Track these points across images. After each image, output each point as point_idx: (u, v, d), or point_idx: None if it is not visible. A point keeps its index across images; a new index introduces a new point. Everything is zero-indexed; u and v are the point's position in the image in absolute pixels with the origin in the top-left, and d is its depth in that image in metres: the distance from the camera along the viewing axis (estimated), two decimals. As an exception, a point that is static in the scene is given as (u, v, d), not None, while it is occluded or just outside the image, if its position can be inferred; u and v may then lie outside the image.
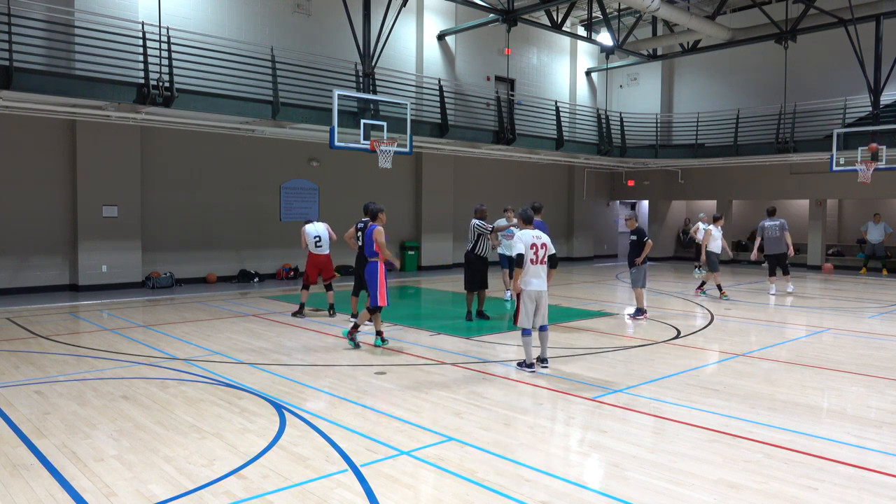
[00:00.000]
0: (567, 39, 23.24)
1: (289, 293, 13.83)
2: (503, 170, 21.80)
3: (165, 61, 12.15)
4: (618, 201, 26.78)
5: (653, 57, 22.14)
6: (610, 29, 18.50)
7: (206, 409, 5.74)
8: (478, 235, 10.45)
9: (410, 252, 19.42)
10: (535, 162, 21.93)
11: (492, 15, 17.38)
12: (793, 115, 19.04)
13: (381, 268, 8.30)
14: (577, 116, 22.82)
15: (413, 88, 17.80)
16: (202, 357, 7.88)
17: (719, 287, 13.67)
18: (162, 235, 15.08)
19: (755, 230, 20.60)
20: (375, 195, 16.38)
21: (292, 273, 16.71)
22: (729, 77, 22.77)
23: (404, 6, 14.83)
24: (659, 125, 22.37)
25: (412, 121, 14.33)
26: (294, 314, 10.97)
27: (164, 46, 12.19)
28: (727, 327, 10.33)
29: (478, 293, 10.71)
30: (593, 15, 19.70)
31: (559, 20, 19.03)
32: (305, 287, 11.11)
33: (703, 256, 13.68)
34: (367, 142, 12.99)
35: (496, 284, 13.07)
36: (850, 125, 18.07)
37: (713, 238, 13.63)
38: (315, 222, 11.21)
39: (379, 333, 8.64)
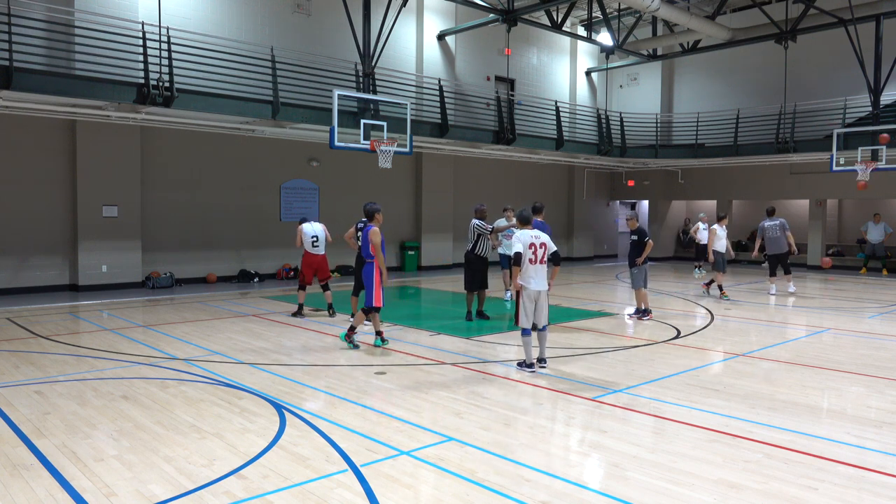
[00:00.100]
0: (567, 39, 23.24)
1: (288, 293, 13.83)
2: (503, 170, 21.80)
3: (165, 61, 12.15)
4: (618, 201, 26.78)
5: (653, 57, 22.14)
6: (610, 29, 18.50)
7: (206, 409, 5.74)
8: (477, 235, 10.45)
9: (410, 252, 19.43)
10: (535, 162, 21.93)
11: (492, 15, 17.38)
12: (793, 115, 19.04)
13: (377, 268, 8.29)
14: (577, 116, 22.82)
15: (413, 88, 17.80)
16: (202, 357, 7.88)
17: (720, 287, 13.67)
18: (162, 235, 15.08)
19: (755, 230, 20.62)
20: (375, 195, 16.38)
21: (292, 273, 16.71)
22: (729, 77, 22.77)
23: (404, 6, 14.83)
24: (659, 125, 22.38)
25: (412, 121, 14.33)
26: (294, 315, 10.97)
27: (164, 46, 12.19)
28: (727, 327, 10.33)
29: (478, 293, 10.71)
30: (593, 15, 19.71)
31: (559, 20, 19.03)
32: (302, 287, 11.10)
33: (711, 256, 13.49)
34: (367, 142, 12.99)
35: (496, 284, 13.07)
36: (850, 125, 18.07)
37: (718, 237, 13.52)
38: (312, 222, 11.20)
39: (379, 333, 8.64)
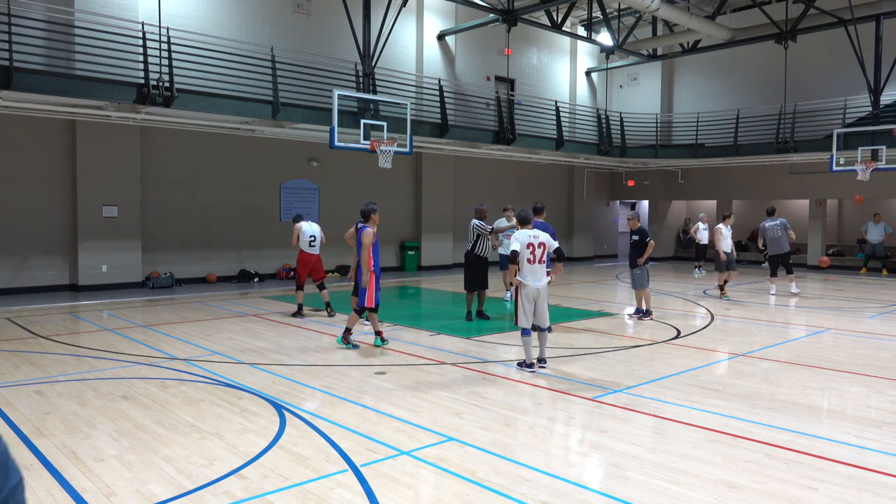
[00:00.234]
0: (567, 39, 23.24)
1: (288, 293, 13.83)
2: (503, 170, 21.80)
3: (165, 61, 12.15)
4: (618, 201, 26.78)
5: (653, 57, 22.14)
6: (610, 29, 18.50)
7: (206, 409, 5.74)
8: (477, 235, 10.45)
9: (410, 252, 19.43)
10: (535, 162, 21.93)
11: (492, 15, 17.38)
12: (793, 115, 19.04)
13: (368, 268, 8.28)
14: (577, 116, 22.82)
15: (413, 88, 17.80)
16: (202, 357, 7.88)
17: (721, 287, 13.63)
18: (162, 235, 15.08)
19: (755, 230, 20.64)
20: (375, 195, 16.39)
21: (292, 273, 16.67)
22: (729, 77, 22.78)
23: (404, 6, 14.82)
24: (659, 125, 22.38)
25: (412, 121, 14.33)
26: (293, 315, 10.96)
27: (164, 46, 12.19)
28: (727, 327, 10.33)
29: (478, 293, 10.71)
30: (593, 15, 19.71)
31: (559, 20, 19.03)
32: (300, 287, 11.10)
33: (723, 255, 13.35)
34: (367, 142, 12.99)
35: (496, 284, 13.07)
36: (850, 125, 18.07)
37: (723, 237, 13.42)
38: (310, 221, 11.23)
39: (378, 333, 8.64)
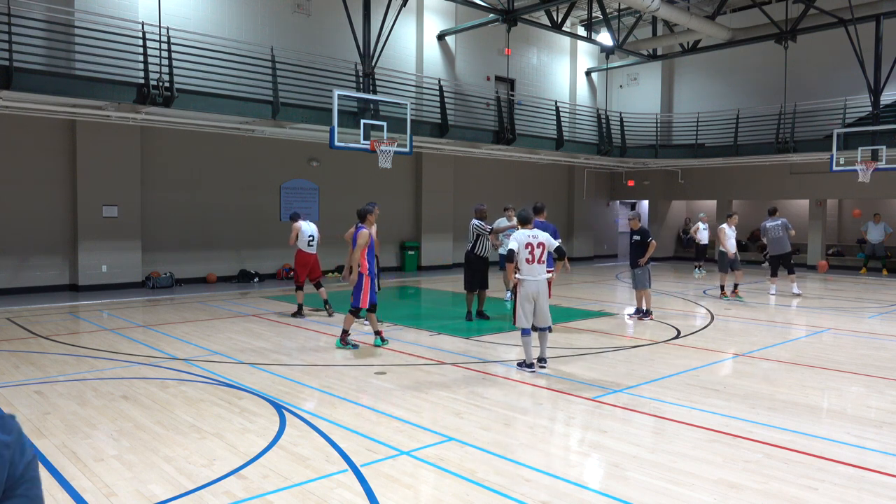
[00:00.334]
0: (567, 39, 23.24)
1: (288, 293, 13.83)
2: (503, 170, 21.80)
3: (165, 61, 12.15)
4: (618, 201, 26.78)
5: (653, 57, 22.14)
6: (610, 29, 18.50)
7: (206, 409, 5.74)
8: (477, 235, 10.45)
9: (410, 252, 19.43)
10: (535, 162, 21.93)
11: (492, 15, 17.38)
12: (793, 115, 19.04)
13: (363, 269, 8.28)
14: (577, 116, 22.82)
15: (413, 88, 17.80)
16: (202, 357, 7.88)
17: (722, 287, 13.59)
18: (162, 235, 15.08)
19: (756, 230, 20.64)
20: (375, 195, 16.39)
21: (292, 273, 16.69)
22: (729, 77, 22.77)
23: (404, 6, 14.82)
24: (659, 125, 22.37)
25: (412, 121, 14.32)
26: (294, 315, 10.97)
27: (164, 46, 12.19)
28: (727, 327, 10.33)
29: (478, 293, 10.71)
30: (593, 15, 19.70)
31: (559, 20, 19.03)
32: (300, 288, 11.12)
33: (731, 254, 13.16)
34: (367, 142, 12.99)
35: (496, 284, 13.07)
36: (850, 125, 18.07)
37: (727, 237, 13.24)
38: (308, 221, 11.27)
39: (378, 333, 8.64)
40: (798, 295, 13.83)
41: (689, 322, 10.72)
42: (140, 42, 12.14)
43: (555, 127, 19.65)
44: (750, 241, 22.98)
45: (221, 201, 15.95)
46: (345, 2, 13.46)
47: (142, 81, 11.95)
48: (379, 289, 10.30)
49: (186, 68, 12.57)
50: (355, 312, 8.41)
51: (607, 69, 24.29)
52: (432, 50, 19.37)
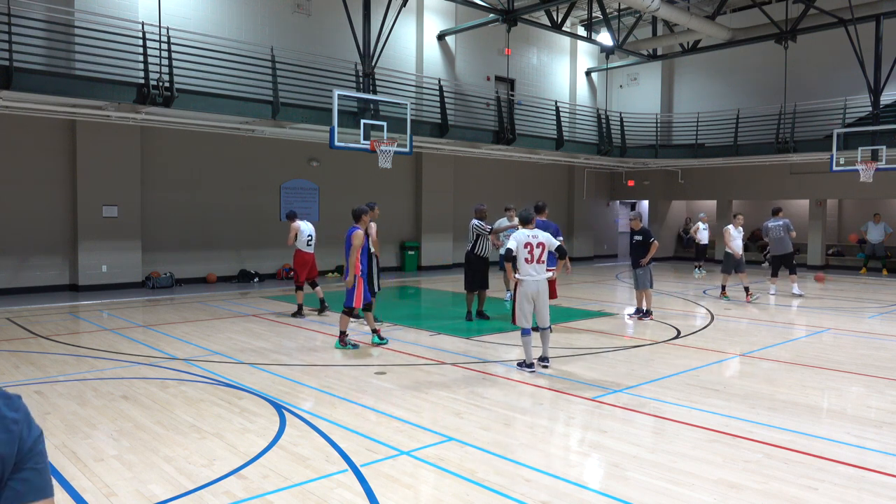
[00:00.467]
0: (567, 39, 23.24)
1: (288, 293, 13.83)
2: (503, 170, 21.80)
3: (165, 61, 12.15)
4: (618, 201, 26.78)
5: (653, 57, 22.14)
6: (610, 29, 18.50)
7: (206, 409, 5.74)
8: (477, 235, 10.45)
9: (410, 252, 19.43)
10: (535, 162, 21.93)
11: (492, 15, 17.38)
12: (793, 115, 19.04)
13: (356, 270, 8.29)
14: (577, 116, 22.82)
15: (413, 88, 17.80)
16: (202, 357, 7.88)
17: (723, 287, 13.54)
18: (162, 235, 15.08)
19: (757, 229, 20.64)
20: (375, 195, 16.38)
21: (292, 273, 16.71)
22: (729, 77, 22.77)
23: (404, 6, 14.82)
24: (659, 125, 22.37)
25: (412, 121, 14.32)
26: (294, 315, 10.98)
27: (164, 46, 12.19)
28: (727, 327, 10.33)
29: (478, 293, 10.71)
30: (593, 15, 19.70)
31: (559, 20, 19.03)
32: (299, 288, 11.14)
33: (737, 254, 13.00)
34: (367, 142, 12.99)
35: (496, 284, 13.07)
36: (850, 125, 18.07)
37: (733, 238, 13.07)
38: (306, 220, 11.32)
39: (375, 331, 8.65)
40: (799, 295, 13.75)
41: (689, 322, 10.72)
42: (140, 42, 12.14)
43: (555, 127, 19.65)
44: (750, 241, 22.96)
45: (221, 201, 15.95)
46: (345, 2, 13.46)
47: (142, 81, 11.95)
48: (379, 289, 10.32)
49: (186, 68, 12.57)
50: (349, 312, 8.41)
51: (607, 69, 24.29)
52: (432, 50, 19.37)
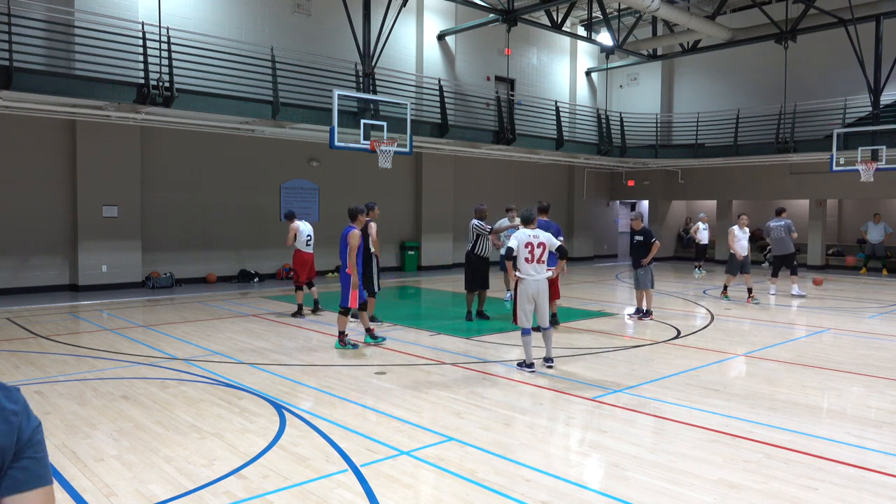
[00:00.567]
0: (567, 39, 23.24)
1: (288, 293, 13.83)
2: (503, 170, 21.80)
3: (165, 61, 12.15)
4: (618, 201, 26.78)
5: (653, 57, 22.14)
6: (610, 29, 18.50)
7: (206, 409, 5.74)
8: (477, 235, 10.45)
9: (410, 252, 19.43)
10: (535, 162, 21.93)
11: (492, 15, 17.38)
12: (793, 115, 19.04)
13: (351, 270, 8.29)
14: (577, 116, 22.82)
15: (413, 88, 17.80)
16: (202, 357, 7.88)
17: (725, 287, 13.46)
18: (162, 235, 15.08)
19: (757, 229, 20.63)
20: (375, 195, 16.38)
21: (292, 273, 16.72)
22: (729, 77, 22.77)
23: (404, 6, 14.82)
24: (659, 125, 22.37)
25: (412, 121, 14.32)
26: (294, 315, 10.98)
27: (164, 46, 12.19)
28: (727, 327, 10.33)
29: (478, 293, 10.71)
30: (593, 15, 19.70)
31: (559, 20, 19.03)
32: (299, 288, 11.16)
33: (739, 256, 12.88)
34: (367, 142, 12.99)
35: (497, 284, 13.06)
36: (850, 125, 18.07)
37: (737, 239, 12.93)
38: (304, 220, 11.36)
39: (369, 331, 8.66)
40: (800, 296, 13.67)
41: (689, 322, 10.72)
42: (140, 42, 12.14)
43: (555, 127, 19.65)
44: (750, 241, 22.95)
45: (221, 201, 15.95)
46: (345, 2, 13.46)
47: (142, 81, 11.95)
48: (379, 289, 10.32)
49: (186, 68, 12.56)
50: (345, 312, 8.41)
51: (607, 69, 24.29)
52: (432, 50, 19.36)
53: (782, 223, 13.62)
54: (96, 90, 11.57)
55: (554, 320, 9.99)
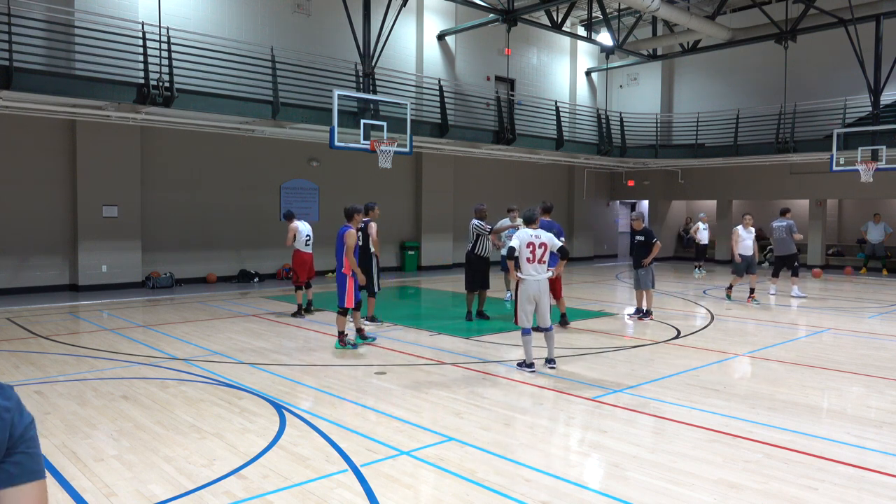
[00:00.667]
0: (567, 39, 23.24)
1: (289, 293, 13.83)
2: (503, 170, 21.80)
3: (165, 61, 12.15)
4: (618, 201, 26.78)
5: (653, 57, 22.14)
6: (610, 29, 18.50)
7: (206, 409, 5.74)
8: (477, 235, 10.45)
9: (410, 252, 19.43)
10: (535, 162, 21.93)
11: (492, 15, 17.38)
12: (793, 115, 19.04)
13: (346, 269, 8.29)
14: (577, 116, 22.82)
15: (413, 88, 17.80)
16: (202, 357, 7.88)
17: (730, 286, 13.39)
18: (162, 235, 15.08)
19: (759, 229, 20.60)
20: (375, 195, 16.38)
21: (292, 273, 16.72)
22: (729, 77, 22.77)
23: (404, 6, 14.82)
24: (659, 125, 22.37)
25: (412, 121, 14.32)
26: (293, 315, 10.98)
27: (164, 46, 12.19)
28: (727, 327, 10.33)
29: (478, 293, 10.71)
30: (593, 15, 19.71)
31: (559, 20, 19.03)
32: (299, 287, 11.16)
33: (737, 257, 12.79)
34: (367, 142, 12.99)
35: (497, 284, 13.06)
36: (850, 125, 18.07)
37: (741, 238, 12.80)
38: (303, 220, 11.38)
39: (359, 331, 8.66)
40: (800, 297, 13.62)
41: (689, 322, 10.72)
42: (140, 42, 12.14)
43: (555, 127, 19.65)
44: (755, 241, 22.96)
45: (221, 201, 15.95)
46: (345, 2, 13.46)
47: (142, 81, 11.95)
48: (379, 289, 10.33)
49: (186, 68, 12.56)
50: (344, 312, 8.41)
51: (607, 69, 24.29)
52: (432, 50, 19.37)
53: (784, 223, 13.52)
54: (96, 90, 11.57)
55: (564, 320, 10.02)
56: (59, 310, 11.55)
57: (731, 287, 13.37)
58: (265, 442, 4.92)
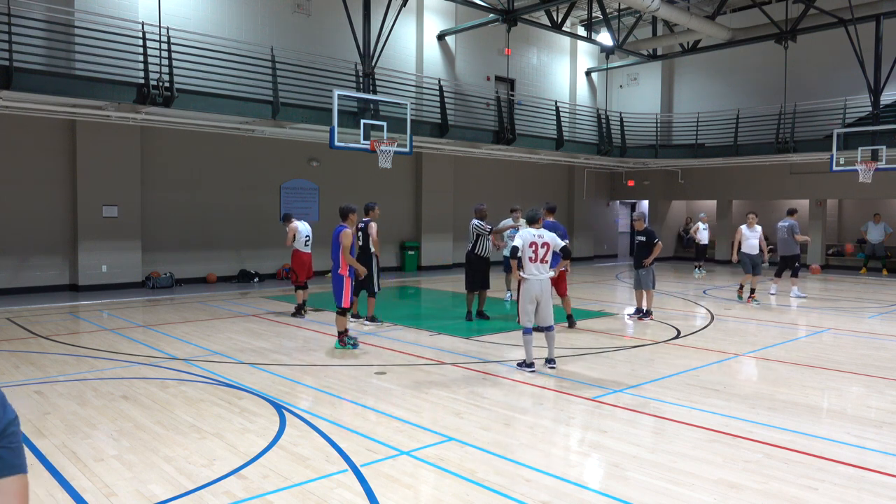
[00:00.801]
0: (567, 39, 23.24)
1: (289, 293, 13.83)
2: (503, 170, 21.80)
3: (165, 61, 12.15)
4: (618, 201, 26.78)
5: (653, 57, 22.14)
6: (610, 29, 18.50)
7: (206, 409, 5.74)
8: (477, 235, 10.45)
9: (410, 252, 19.43)
10: (535, 162, 21.93)
11: (492, 15, 17.38)
12: (793, 115, 19.04)
13: (344, 268, 8.29)
14: (577, 116, 22.82)
15: (413, 88, 17.80)
16: (202, 357, 7.88)
17: (741, 286, 13.24)
18: (162, 235, 15.08)
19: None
20: (375, 195, 16.38)
21: (291, 273, 16.72)
22: (729, 77, 22.77)
23: (404, 6, 14.82)
24: (659, 125, 22.37)
25: (412, 121, 14.32)
26: (294, 314, 10.99)
27: (164, 46, 12.19)
28: (727, 327, 10.33)
29: (478, 293, 10.70)
30: (593, 15, 19.70)
31: (559, 20, 19.03)
32: (298, 287, 11.16)
33: (735, 257, 12.83)
34: (367, 142, 12.99)
35: (497, 284, 13.06)
36: (850, 125, 18.07)
37: (745, 238, 12.72)
38: (303, 221, 11.39)
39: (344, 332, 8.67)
40: (800, 297, 13.58)
41: (689, 322, 10.72)
42: (140, 42, 12.14)
43: (555, 127, 19.65)
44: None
45: (221, 201, 15.95)
46: (345, 2, 13.46)
47: (142, 81, 11.95)
48: (379, 289, 10.33)
49: (186, 68, 12.56)
50: (343, 312, 8.41)
51: (607, 69, 24.29)
52: (432, 50, 19.36)
53: (786, 224, 13.46)
54: (96, 90, 11.57)
55: (570, 321, 10.04)
56: (59, 310, 11.55)
57: (741, 287, 13.25)
58: (265, 442, 4.92)
